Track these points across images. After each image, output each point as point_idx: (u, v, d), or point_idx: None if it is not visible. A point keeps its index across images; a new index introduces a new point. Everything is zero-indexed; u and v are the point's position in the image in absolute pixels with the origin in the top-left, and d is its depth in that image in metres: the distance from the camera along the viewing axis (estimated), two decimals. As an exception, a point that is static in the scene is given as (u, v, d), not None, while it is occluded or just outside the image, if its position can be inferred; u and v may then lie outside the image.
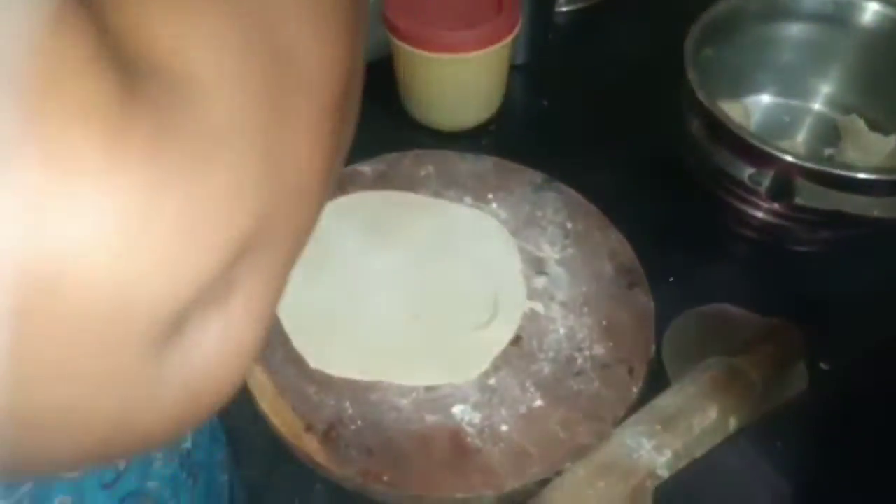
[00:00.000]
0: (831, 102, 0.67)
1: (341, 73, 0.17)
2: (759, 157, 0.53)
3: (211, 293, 0.14)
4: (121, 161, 0.12)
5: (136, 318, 0.13)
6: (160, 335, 0.13)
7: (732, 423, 0.45)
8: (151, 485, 0.34)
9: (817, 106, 0.67)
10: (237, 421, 0.50)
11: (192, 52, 0.13)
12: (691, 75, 0.57)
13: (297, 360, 0.49)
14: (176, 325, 0.13)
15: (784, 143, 0.58)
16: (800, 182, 0.51)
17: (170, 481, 0.36)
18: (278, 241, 0.16)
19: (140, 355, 0.13)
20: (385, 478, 0.44)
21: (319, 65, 0.16)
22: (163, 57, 0.13)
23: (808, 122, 0.67)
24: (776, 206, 0.56)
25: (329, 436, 0.46)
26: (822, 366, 0.53)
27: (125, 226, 0.12)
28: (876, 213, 0.48)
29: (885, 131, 0.63)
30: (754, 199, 0.57)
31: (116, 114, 0.12)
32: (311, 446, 0.45)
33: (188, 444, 0.38)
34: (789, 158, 0.51)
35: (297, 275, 0.52)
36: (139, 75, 0.12)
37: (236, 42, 0.14)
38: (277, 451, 0.48)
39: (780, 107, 0.68)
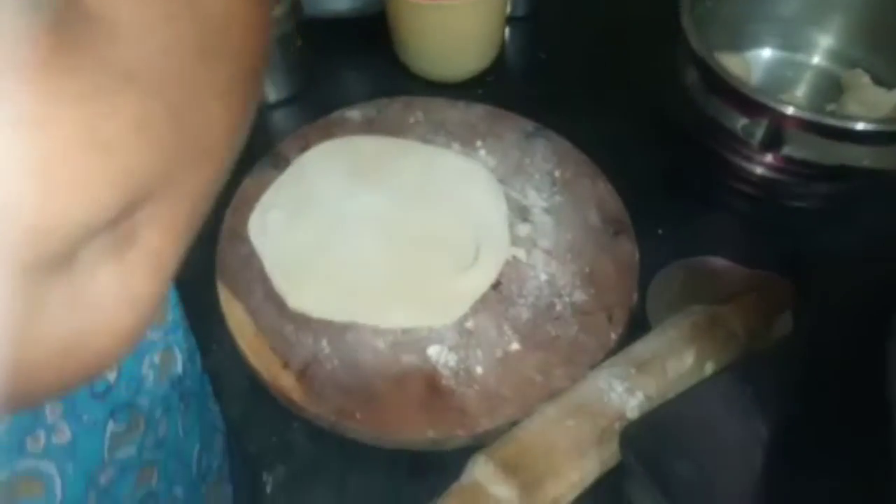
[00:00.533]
0: (834, 56, 0.65)
1: (260, 42, 0.18)
2: (752, 107, 0.52)
3: (106, 234, 0.14)
4: (24, 77, 0.12)
5: (20, 234, 0.12)
6: (46, 259, 0.13)
7: (709, 370, 0.44)
8: (142, 401, 0.35)
9: (820, 60, 0.66)
10: (216, 360, 0.50)
11: None
12: (687, 25, 0.56)
13: (276, 300, 0.49)
14: (65, 254, 0.13)
15: (785, 98, 0.57)
16: (791, 132, 0.50)
17: (161, 401, 0.37)
18: (179, 196, 0.16)
19: (23, 275, 0.13)
20: (358, 416, 0.44)
21: (242, 32, 0.17)
22: None
23: (809, 76, 0.66)
24: (770, 158, 0.55)
25: (305, 374, 0.46)
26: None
27: (16, 139, 0.12)
28: (866, 162, 0.47)
29: (890, 85, 0.62)
30: (748, 151, 0.56)
31: (23, 28, 0.12)
32: (287, 384, 0.46)
33: (178, 370, 0.39)
34: (781, 108, 0.50)
35: (280, 216, 0.52)
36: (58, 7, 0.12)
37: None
38: (255, 389, 0.49)
39: (782, 61, 0.67)
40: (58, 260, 0.13)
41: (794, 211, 0.58)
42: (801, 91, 0.65)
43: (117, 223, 0.14)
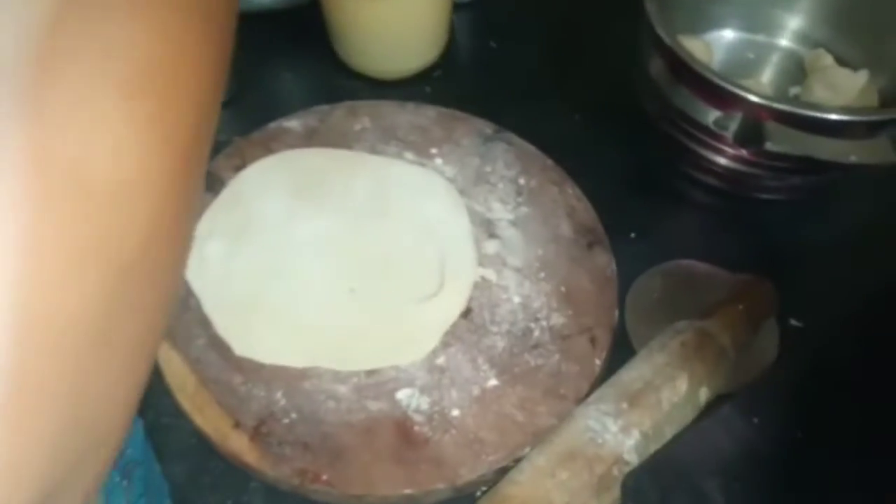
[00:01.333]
0: (797, 37, 0.62)
1: (180, 273, 0.16)
2: (726, 99, 0.49)
3: None
4: None
5: None
6: None
7: (703, 395, 0.41)
8: None
9: (783, 41, 0.63)
10: (157, 415, 0.44)
11: None
12: (650, 8, 0.51)
13: (221, 347, 0.43)
14: None
15: (748, 83, 0.53)
16: (771, 126, 0.47)
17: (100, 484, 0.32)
18: (74, 492, 0.13)
19: None
20: (324, 477, 0.39)
21: (165, 269, 0.14)
22: None
23: (772, 58, 0.63)
24: (743, 152, 0.51)
25: (259, 432, 0.41)
26: (794, 322, 0.49)
27: None
28: (853, 158, 0.44)
29: (854, 66, 0.59)
30: (720, 144, 0.52)
31: None
32: (239, 446, 0.40)
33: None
34: (759, 100, 0.47)
35: (218, 247, 0.46)
36: None
37: None
38: (203, 447, 0.43)
39: (744, 43, 0.63)
40: None
41: (769, 204, 0.55)
42: (764, 74, 0.62)
43: None
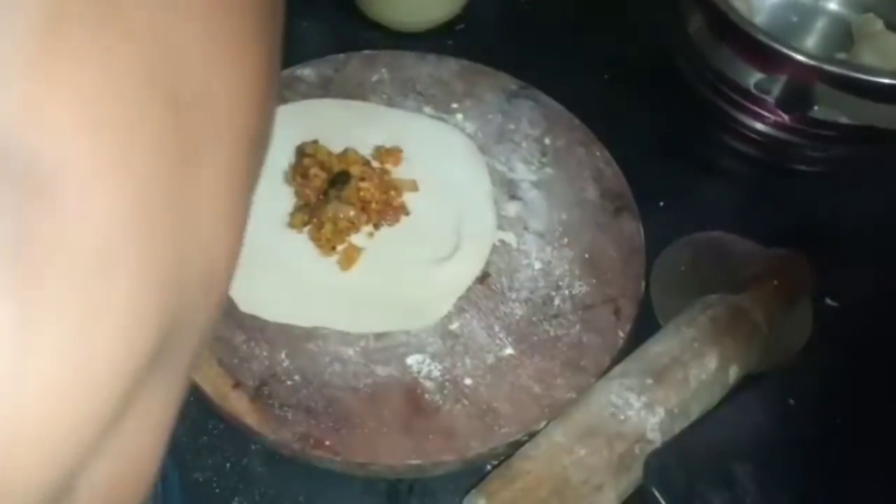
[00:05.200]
0: (846, 1, 0.58)
1: (257, 112, 0.14)
2: (771, 59, 0.45)
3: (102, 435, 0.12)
4: None
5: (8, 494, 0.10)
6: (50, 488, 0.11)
7: (733, 374, 0.38)
8: None
9: (831, 5, 0.59)
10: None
11: (63, 143, 0.10)
12: (693, -40, 0.48)
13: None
14: (63, 488, 0.11)
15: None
16: (820, 89, 0.43)
17: None
18: (182, 348, 0.13)
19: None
20: (327, 443, 0.37)
21: (232, 107, 0.13)
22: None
23: (819, 23, 0.59)
24: (785, 118, 0.48)
25: (261, 393, 0.39)
26: (830, 302, 0.46)
27: None
28: (910, 125, 0.41)
29: (907, 32, 0.55)
30: (760, 109, 0.49)
31: None
32: (239, 406, 0.38)
33: None
34: (808, 60, 0.43)
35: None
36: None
37: (117, 107, 0.11)
38: (203, 406, 0.41)
39: (789, 4, 0.59)
40: (57, 495, 0.11)
41: (807, 176, 0.52)
42: (809, 39, 0.59)
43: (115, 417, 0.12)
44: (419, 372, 0.39)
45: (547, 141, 0.48)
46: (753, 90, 0.47)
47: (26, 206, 0.10)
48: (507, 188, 0.46)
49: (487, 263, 0.43)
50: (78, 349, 0.10)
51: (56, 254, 0.10)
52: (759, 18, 0.59)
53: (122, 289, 0.11)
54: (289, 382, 0.39)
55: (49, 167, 0.10)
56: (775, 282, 0.42)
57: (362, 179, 0.43)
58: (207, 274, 0.13)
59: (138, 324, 0.11)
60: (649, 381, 0.36)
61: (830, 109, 0.43)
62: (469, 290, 0.42)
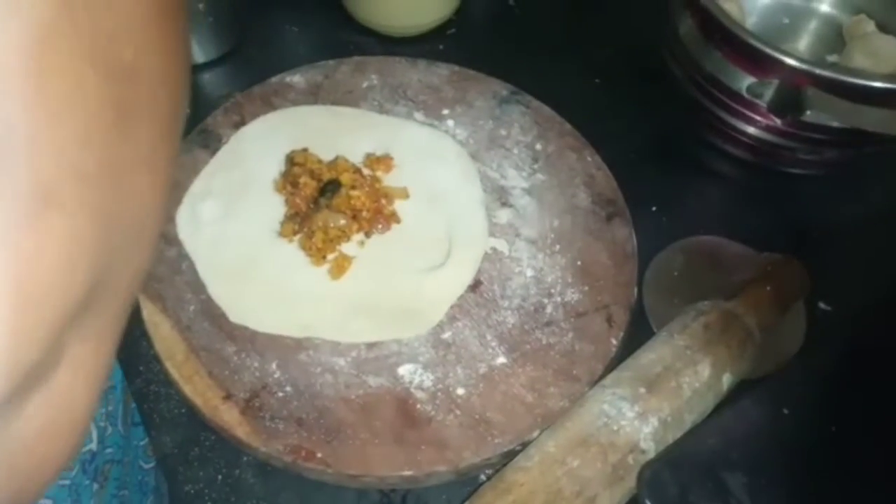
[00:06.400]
0: (838, 1, 0.58)
1: (180, 86, 0.16)
2: (763, 64, 0.45)
3: (34, 375, 0.13)
4: None
5: None
6: None
7: (726, 381, 0.38)
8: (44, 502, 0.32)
9: (822, 6, 0.59)
10: (146, 382, 0.42)
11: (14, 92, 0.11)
12: (683, -37, 0.48)
13: (213, 313, 0.41)
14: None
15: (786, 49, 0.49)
16: (812, 93, 0.43)
17: (68, 491, 0.32)
18: (113, 295, 0.14)
19: None
20: (319, 455, 0.37)
21: (162, 80, 0.15)
22: None
23: (810, 24, 0.59)
24: (777, 122, 0.48)
25: (251, 405, 0.38)
26: (823, 306, 0.46)
27: None
28: (902, 129, 0.41)
29: (898, 33, 0.55)
30: (752, 113, 0.49)
31: None
32: (230, 419, 0.38)
33: (92, 446, 0.32)
34: (800, 65, 0.43)
35: (214, 208, 0.43)
36: None
37: (68, 71, 0.12)
38: (194, 417, 0.41)
39: (780, 6, 0.59)
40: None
41: (799, 180, 0.52)
42: (800, 41, 0.58)
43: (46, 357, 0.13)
44: (411, 382, 0.39)
45: (538, 147, 0.48)
46: (745, 94, 0.47)
47: None
48: (499, 195, 0.46)
49: (479, 271, 0.43)
50: (15, 281, 0.11)
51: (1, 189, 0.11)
52: (751, 20, 0.59)
53: (58, 227, 0.12)
54: (280, 394, 0.39)
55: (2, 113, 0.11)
56: (768, 287, 0.42)
57: (353, 188, 0.43)
58: (137, 225, 0.14)
59: (73, 261, 0.12)
60: (642, 389, 0.36)
61: (822, 113, 0.42)
62: (461, 298, 0.42)
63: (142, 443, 0.41)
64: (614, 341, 0.41)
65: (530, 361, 0.40)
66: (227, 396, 0.38)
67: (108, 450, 0.34)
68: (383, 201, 0.44)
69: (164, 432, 0.41)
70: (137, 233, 0.14)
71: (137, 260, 0.15)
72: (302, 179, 0.44)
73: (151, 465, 0.40)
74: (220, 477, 0.40)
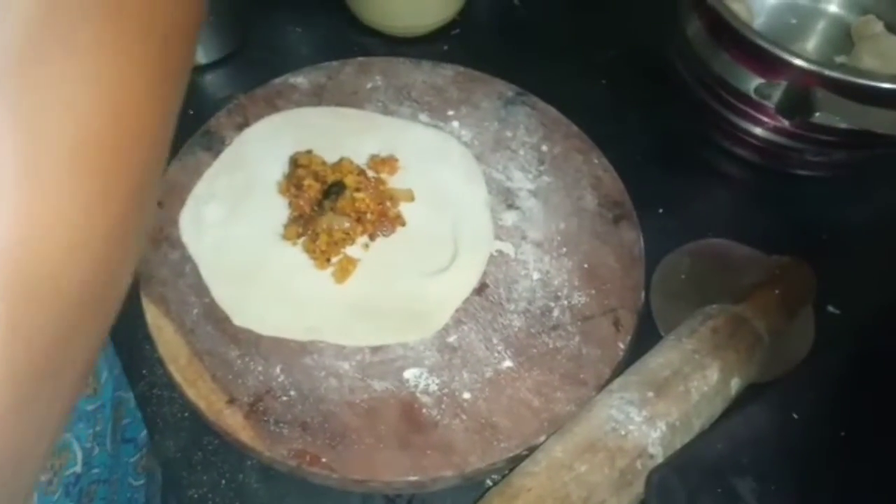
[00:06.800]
0: (846, 2, 0.58)
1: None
2: (771, 65, 0.45)
3: None
4: None
5: None
6: None
7: (735, 385, 0.38)
8: None
9: (830, 6, 0.58)
10: (149, 385, 0.42)
11: None
12: (691, -37, 0.47)
13: (217, 317, 0.41)
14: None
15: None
16: (821, 94, 0.43)
17: None
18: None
19: None
20: (323, 460, 0.36)
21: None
22: None
23: (818, 25, 0.58)
24: (785, 124, 0.48)
25: (255, 409, 0.38)
26: (832, 309, 0.46)
27: None
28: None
29: (907, 34, 0.55)
30: (759, 115, 0.48)
31: None
32: (234, 423, 0.38)
33: (76, 468, 0.31)
34: (809, 66, 0.43)
35: (217, 211, 0.43)
36: None
37: None
38: (197, 421, 0.41)
39: (788, 6, 0.59)
40: None
41: (808, 182, 0.51)
42: (808, 42, 0.58)
43: None
44: (416, 386, 0.39)
45: (544, 148, 0.48)
46: (753, 95, 0.47)
47: None
48: (505, 197, 0.46)
49: (485, 274, 0.42)
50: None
51: None
52: (759, 21, 0.58)
53: None
54: (284, 398, 0.38)
55: None
56: (777, 290, 0.42)
57: (357, 190, 0.43)
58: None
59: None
60: (650, 394, 0.36)
61: (831, 115, 0.42)
62: (467, 301, 0.41)
63: (132, 459, 0.40)
64: (621, 345, 0.40)
65: (537, 365, 0.39)
66: (231, 400, 0.38)
67: (95, 470, 0.33)
68: (388, 203, 0.44)
69: (168, 436, 0.41)
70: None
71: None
72: (306, 181, 0.43)
73: (141, 482, 0.40)
74: (223, 481, 0.40)
